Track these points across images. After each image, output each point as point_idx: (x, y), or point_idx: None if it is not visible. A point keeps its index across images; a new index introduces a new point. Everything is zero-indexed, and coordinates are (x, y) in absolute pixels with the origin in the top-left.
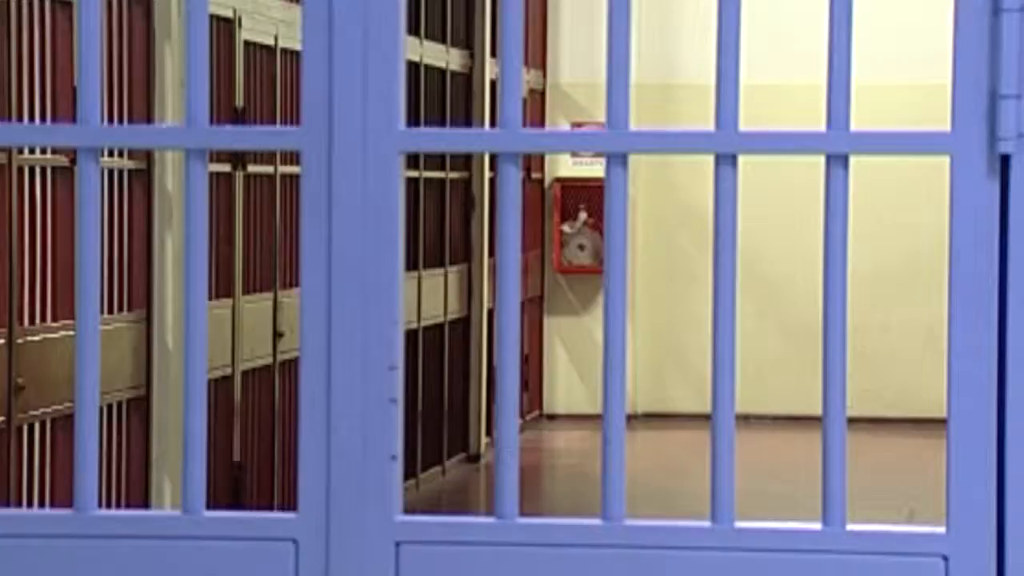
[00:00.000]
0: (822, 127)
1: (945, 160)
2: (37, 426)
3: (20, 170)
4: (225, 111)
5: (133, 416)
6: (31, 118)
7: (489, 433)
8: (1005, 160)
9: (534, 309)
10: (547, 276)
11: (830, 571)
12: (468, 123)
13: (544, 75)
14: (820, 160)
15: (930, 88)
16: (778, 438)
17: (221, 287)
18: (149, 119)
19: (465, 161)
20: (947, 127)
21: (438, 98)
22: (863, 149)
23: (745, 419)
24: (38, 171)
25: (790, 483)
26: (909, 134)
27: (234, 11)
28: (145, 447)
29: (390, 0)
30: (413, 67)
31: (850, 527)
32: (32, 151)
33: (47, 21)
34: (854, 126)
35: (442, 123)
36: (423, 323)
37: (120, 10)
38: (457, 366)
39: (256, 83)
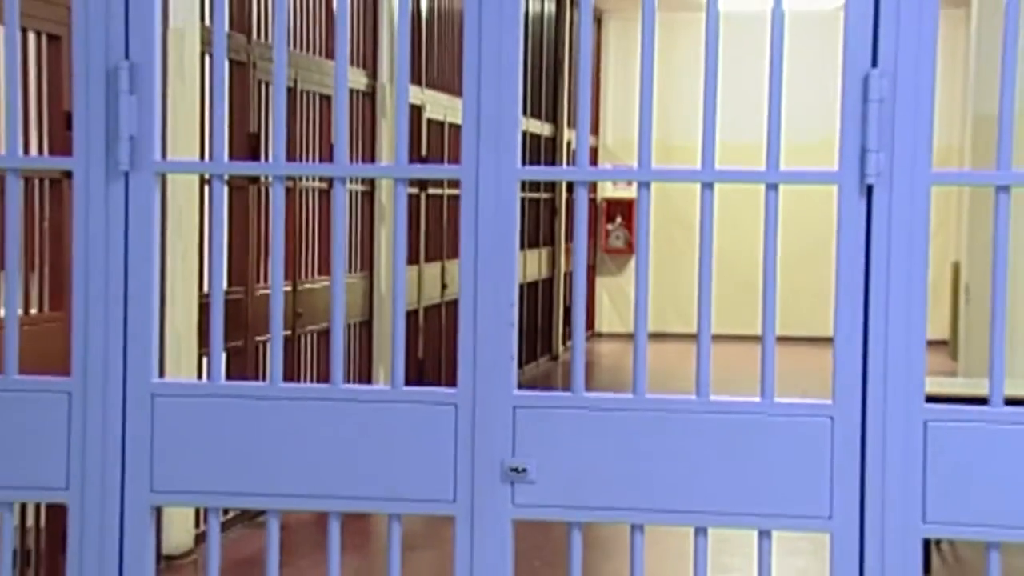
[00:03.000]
0: (763, 167)
1: (832, 188)
2: (310, 336)
3: (302, 191)
4: (415, 157)
5: (362, 332)
6: (307, 159)
7: (565, 343)
8: (870, 189)
9: (590, 273)
10: (598, 254)
11: (766, 427)
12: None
13: (597, 137)
14: (762, 187)
15: (824, 144)
16: (733, 349)
17: (411, 257)
18: (372, 160)
19: (552, 187)
20: (835, 167)
21: (535, 153)
22: (788, 180)
23: (713, 337)
24: (311, 192)
25: (737, 371)
26: (815, 171)
27: (421, 101)
28: (369, 350)
29: (512, 95)
30: (523, 134)
31: (777, 400)
32: (308, 179)
33: (317, 109)
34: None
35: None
36: (527, 280)
37: (358, 101)
38: (546, 305)
39: (434, 141)
